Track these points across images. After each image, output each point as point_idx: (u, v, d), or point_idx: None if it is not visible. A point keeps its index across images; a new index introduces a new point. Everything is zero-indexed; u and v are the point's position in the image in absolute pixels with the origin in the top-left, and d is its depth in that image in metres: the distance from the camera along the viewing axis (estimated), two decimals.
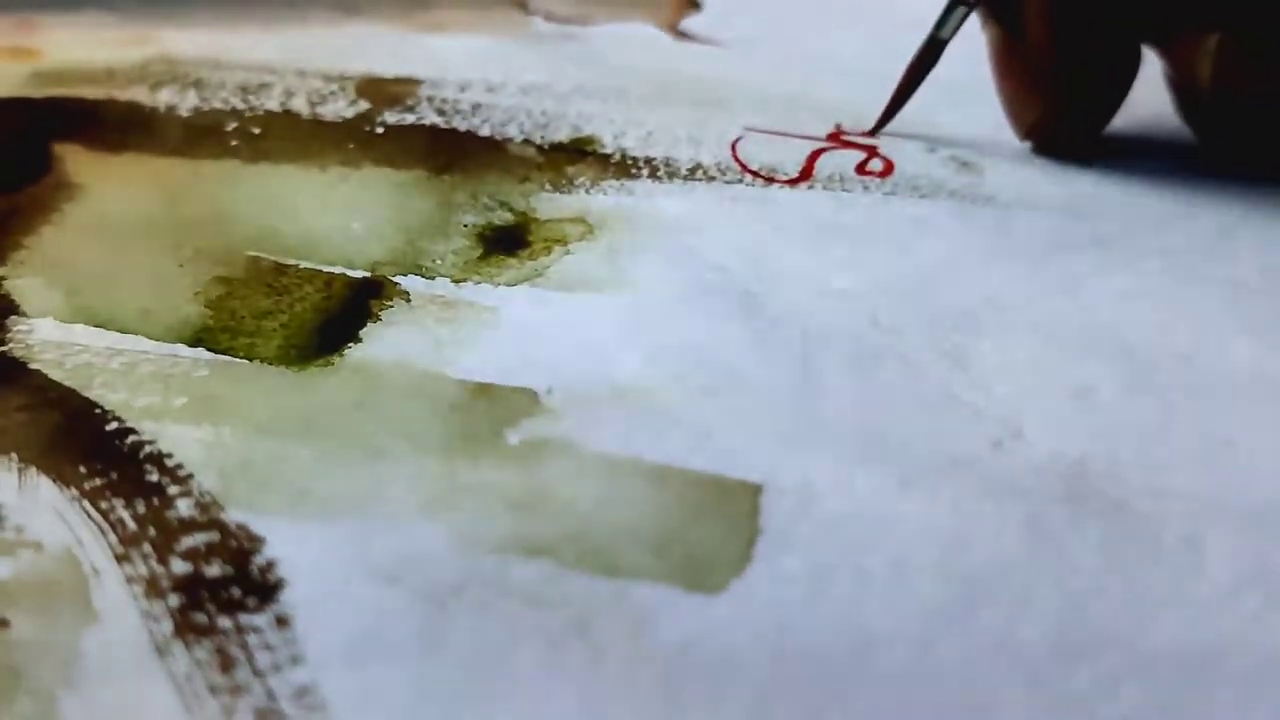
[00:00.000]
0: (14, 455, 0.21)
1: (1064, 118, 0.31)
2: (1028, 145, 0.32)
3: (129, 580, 0.19)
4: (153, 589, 0.19)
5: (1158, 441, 0.22)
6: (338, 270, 0.26)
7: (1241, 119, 0.29)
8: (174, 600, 0.19)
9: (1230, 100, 0.29)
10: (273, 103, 0.33)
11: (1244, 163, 0.30)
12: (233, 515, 0.20)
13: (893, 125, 0.32)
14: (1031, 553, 0.20)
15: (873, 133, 0.32)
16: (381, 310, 0.25)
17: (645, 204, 0.29)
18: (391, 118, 0.32)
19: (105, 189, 0.29)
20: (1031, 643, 0.19)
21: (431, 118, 0.32)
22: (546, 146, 0.31)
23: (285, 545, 0.20)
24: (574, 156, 0.31)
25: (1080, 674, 0.18)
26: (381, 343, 0.24)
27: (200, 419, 0.22)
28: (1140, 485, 0.21)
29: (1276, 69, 0.28)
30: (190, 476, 0.21)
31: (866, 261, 0.27)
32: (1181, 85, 0.30)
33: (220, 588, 0.19)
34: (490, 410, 0.23)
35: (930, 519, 0.21)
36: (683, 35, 0.39)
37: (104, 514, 0.20)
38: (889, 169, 0.31)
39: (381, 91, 0.34)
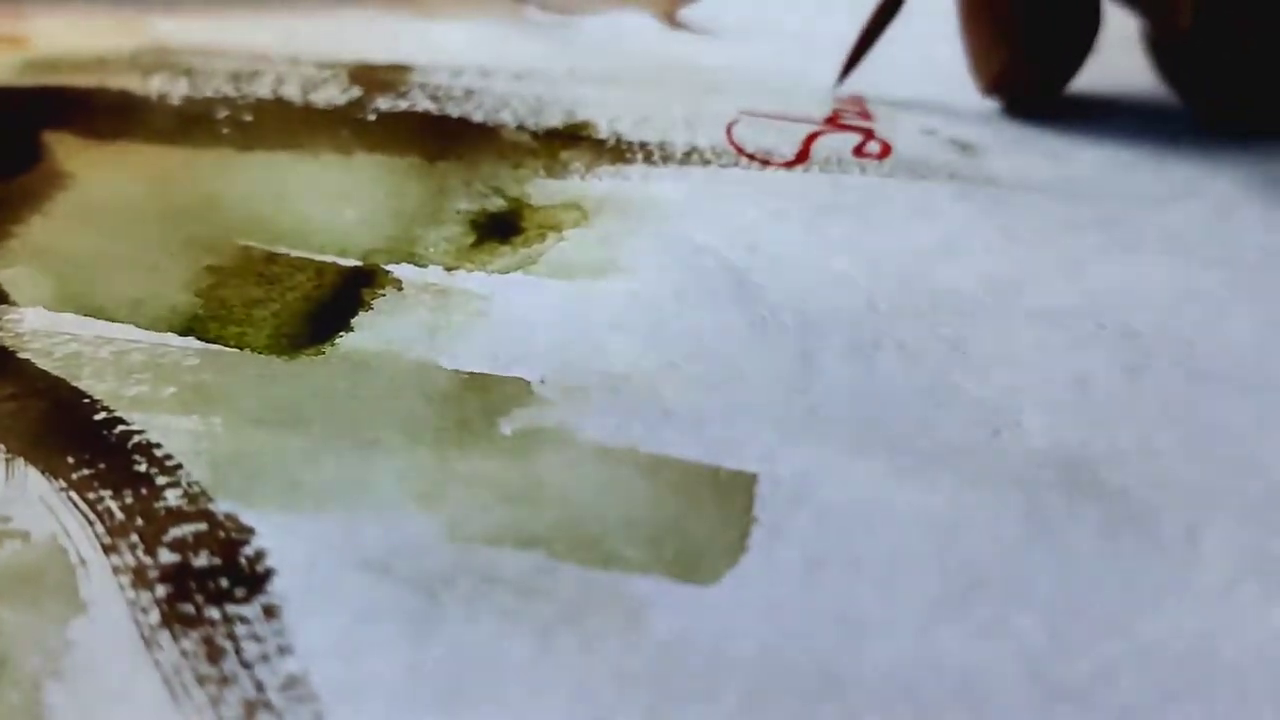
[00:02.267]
0: (1, 445, 0.21)
1: (1025, 70, 0.31)
2: (1023, 131, 0.31)
3: (116, 571, 0.19)
4: (140, 579, 0.19)
5: (1157, 429, 0.22)
6: (329, 258, 0.26)
7: (1222, 69, 0.29)
8: (161, 591, 0.19)
9: (1211, 49, 0.28)
10: (265, 90, 0.33)
11: (1226, 119, 0.30)
12: (221, 505, 0.20)
13: (891, 105, 0.32)
14: (1029, 542, 0.20)
15: (839, 82, 0.33)
16: (373, 298, 0.25)
17: (640, 189, 0.29)
18: (384, 104, 0.32)
19: (96, 178, 0.29)
20: (1029, 633, 0.18)
21: (424, 104, 0.32)
22: (540, 132, 0.31)
23: (275, 535, 0.20)
24: (568, 142, 0.31)
25: (1078, 664, 0.18)
26: (373, 331, 0.24)
27: (190, 409, 0.22)
28: (1139, 474, 0.21)
29: (1256, 11, 0.28)
30: (179, 466, 0.21)
31: (864, 245, 0.27)
32: (1160, 39, 0.30)
33: (208, 578, 0.19)
34: (483, 400, 0.22)
35: (927, 508, 0.20)
36: (679, 24, 0.38)
37: (91, 504, 0.20)
38: (886, 151, 0.30)
39: (374, 78, 0.33)
